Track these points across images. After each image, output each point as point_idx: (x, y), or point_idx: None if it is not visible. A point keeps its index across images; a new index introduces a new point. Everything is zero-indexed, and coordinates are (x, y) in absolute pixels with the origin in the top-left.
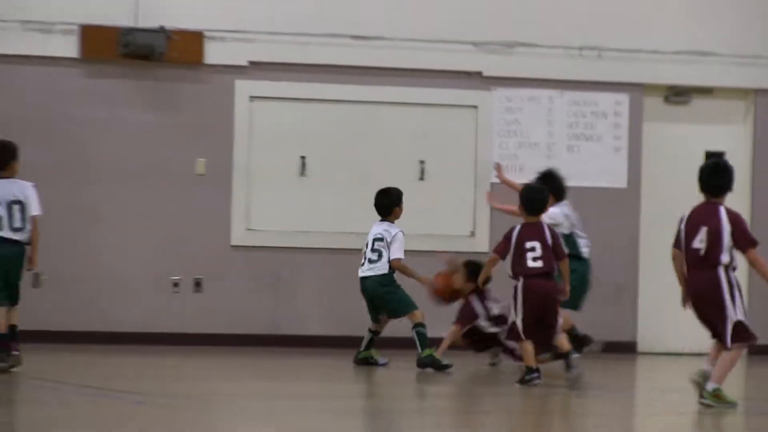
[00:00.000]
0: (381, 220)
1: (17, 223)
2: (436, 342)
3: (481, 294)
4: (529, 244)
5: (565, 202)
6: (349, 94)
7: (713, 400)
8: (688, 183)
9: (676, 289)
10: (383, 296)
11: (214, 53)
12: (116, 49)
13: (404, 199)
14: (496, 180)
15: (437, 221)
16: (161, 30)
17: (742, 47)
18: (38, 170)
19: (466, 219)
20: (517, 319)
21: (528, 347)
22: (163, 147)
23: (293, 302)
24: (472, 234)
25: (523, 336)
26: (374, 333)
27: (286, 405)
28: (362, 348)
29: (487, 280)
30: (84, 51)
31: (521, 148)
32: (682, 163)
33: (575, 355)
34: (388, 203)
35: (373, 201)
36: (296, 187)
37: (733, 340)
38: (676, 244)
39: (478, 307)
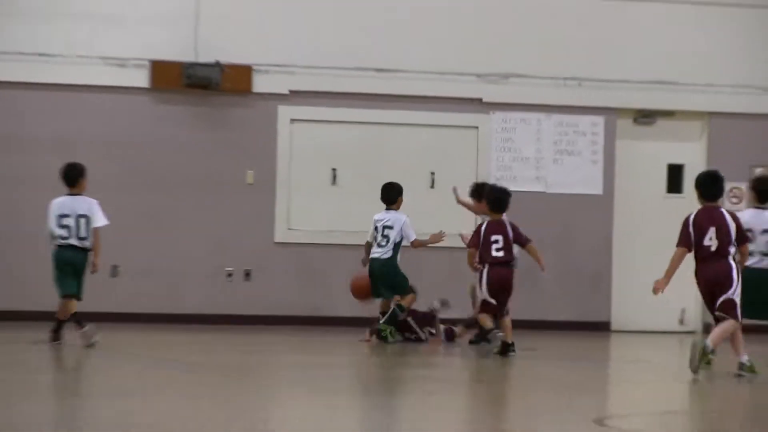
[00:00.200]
0: (387, 209)
1: (83, 233)
2: (450, 321)
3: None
4: (493, 237)
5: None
6: (373, 117)
7: (704, 359)
8: (653, 190)
9: (645, 277)
10: (388, 275)
11: (260, 83)
12: (180, 80)
13: (417, 203)
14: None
15: (445, 222)
16: (217, 64)
17: (698, 77)
18: (118, 181)
19: (469, 220)
20: (485, 296)
21: (487, 319)
22: (218, 161)
23: (326, 289)
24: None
25: (486, 309)
26: (383, 313)
27: (318, 373)
28: (382, 321)
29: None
30: (153, 82)
31: (515, 161)
32: (648, 174)
33: (497, 333)
34: (394, 194)
35: None
36: (329, 194)
37: (722, 310)
38: (681, 243)
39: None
